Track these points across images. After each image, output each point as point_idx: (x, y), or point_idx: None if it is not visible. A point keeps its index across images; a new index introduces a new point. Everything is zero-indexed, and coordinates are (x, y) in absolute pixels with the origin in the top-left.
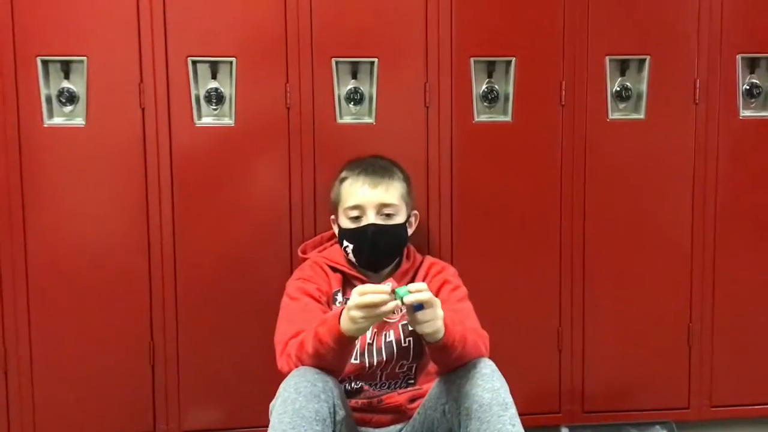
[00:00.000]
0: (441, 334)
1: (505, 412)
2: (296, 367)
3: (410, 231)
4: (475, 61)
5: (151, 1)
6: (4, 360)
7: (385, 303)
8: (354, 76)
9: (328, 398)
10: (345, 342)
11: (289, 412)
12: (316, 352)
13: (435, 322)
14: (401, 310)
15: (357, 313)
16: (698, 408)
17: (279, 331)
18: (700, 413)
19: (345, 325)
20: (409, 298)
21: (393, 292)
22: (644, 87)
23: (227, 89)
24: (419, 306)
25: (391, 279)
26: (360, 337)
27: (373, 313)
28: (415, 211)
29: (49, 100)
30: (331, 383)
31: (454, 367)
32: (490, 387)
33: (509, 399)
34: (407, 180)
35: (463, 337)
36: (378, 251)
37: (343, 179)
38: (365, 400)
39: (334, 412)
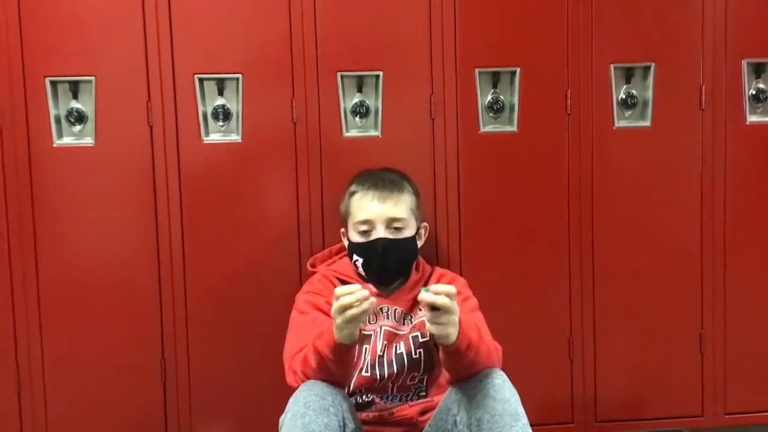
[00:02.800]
0: (450, 341)
1: (517, 422)
2: (303, 382)
3: (420, 244)
4: (479, 72)
5: (158, 20)
6: (17, 379)
7: (354, 304)
8: (359, 89)
9: (338, 411)
10: (341, 351)
11: (299, 427)
12: (318, 366)
13: (446, 327)
14: (400, 318)
15: (337, 319)
16: (712, 415)
17: (287, 345)
18: (714, 420)
19: (335, 333)
20: (424, 296)
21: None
22: (650, 94)
23: (234, 106)
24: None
25: (398, 292)
26: (371, 349)
27: (348, 315)
28: (425, 224)
29: (58, 120)
30: (340, 396)
31: (466, 374)
32: (501, 398)
33: (521, 409)
34: (416, 193)
35: (476, 344)
36: (387, 265)
37: (353, 193)
38: (376, 413)
39: (344, 425)
